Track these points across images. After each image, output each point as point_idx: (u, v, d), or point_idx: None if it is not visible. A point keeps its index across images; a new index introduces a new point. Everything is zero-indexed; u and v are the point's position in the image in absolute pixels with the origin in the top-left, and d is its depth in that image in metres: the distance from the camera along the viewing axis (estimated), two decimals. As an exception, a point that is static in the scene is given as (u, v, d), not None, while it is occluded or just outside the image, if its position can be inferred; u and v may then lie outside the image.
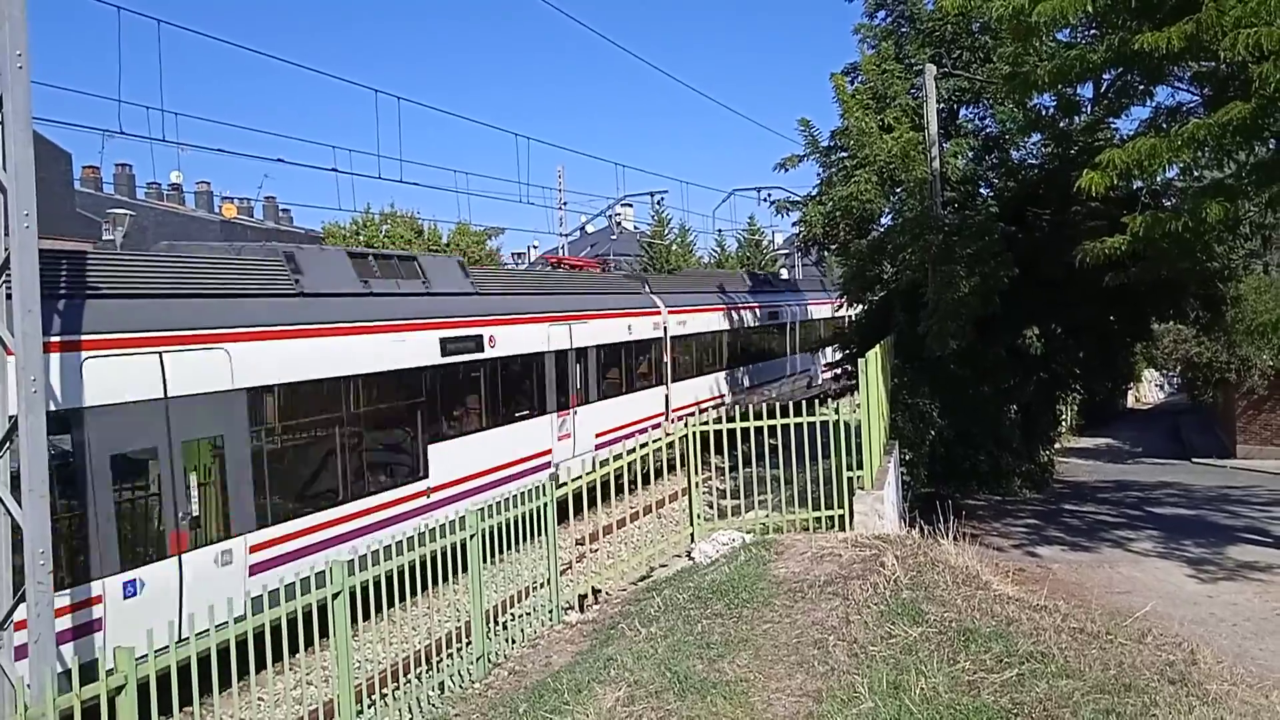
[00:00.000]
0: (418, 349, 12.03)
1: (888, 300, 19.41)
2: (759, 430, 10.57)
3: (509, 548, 8.44)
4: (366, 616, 10.71)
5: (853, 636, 6.56)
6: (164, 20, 25.25)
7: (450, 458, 12.36)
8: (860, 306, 21.20)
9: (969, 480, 18.20)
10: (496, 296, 14.38)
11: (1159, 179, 13.68)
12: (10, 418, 5.94)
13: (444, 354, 12.51)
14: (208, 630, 5.74)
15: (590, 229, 75.64)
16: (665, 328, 19.58)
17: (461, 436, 12.78)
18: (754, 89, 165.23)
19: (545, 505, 8.91)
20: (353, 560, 7.08)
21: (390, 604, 7.37)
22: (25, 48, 5.97)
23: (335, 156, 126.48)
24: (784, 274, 68.23)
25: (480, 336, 13.43)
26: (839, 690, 5.88)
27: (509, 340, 14.00)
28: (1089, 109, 15.50)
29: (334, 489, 10.49)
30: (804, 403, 10.42)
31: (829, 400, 16.95)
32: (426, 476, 11.92)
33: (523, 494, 8.78)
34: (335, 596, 6.50)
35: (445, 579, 7.71)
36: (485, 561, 8.05)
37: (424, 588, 7.62)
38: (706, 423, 10.64)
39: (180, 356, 8.72)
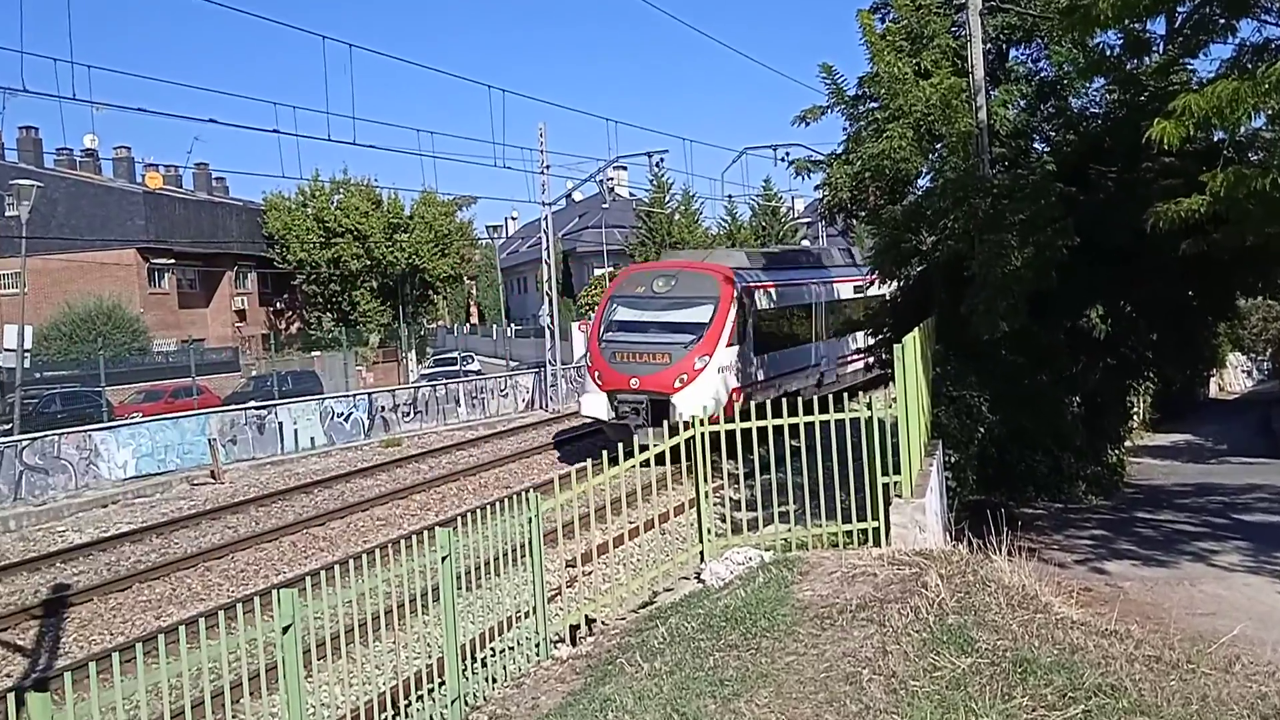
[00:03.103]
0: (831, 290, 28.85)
1: (926, 276, 19.39)
2: (778, 430, 10.57)
3: (488, 571, 8.45)
4: (322, 654, 10.72)
5: (891, 670, 6.57)
6: (73, -43, 25.08)
7: (831, 349, 28.19)
8: (894, 283, 21.19)
9: (1025, 485, 18.21)
10: (835, 266, 30.36)
11: (1244, 129, 13.64)
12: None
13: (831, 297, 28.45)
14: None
15: (578, 196, 75.52)
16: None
17: (832, 338, 28.19)
18: (768, 30, 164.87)
19: (530, 520, 8.92)
20: (312, 580, 7.09)
21: (350, 639, 7.37)
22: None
23: (277, 115, 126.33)
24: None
25: (836, 287, 28.40)
26: (875, 732, 5.88)
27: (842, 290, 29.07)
28: (1161, 47, 15.48)
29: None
30: (830, 398, 10.41)
31: (859, 393, 16.97)
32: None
33: (504, 500, 8.79)
34: (285, 630, 6.51)
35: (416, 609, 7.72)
36: (460, 587, 8.06)
37: (388, 622, 7.63)
38: (716, 422, 10.64)
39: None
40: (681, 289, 22.94)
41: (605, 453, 12.06)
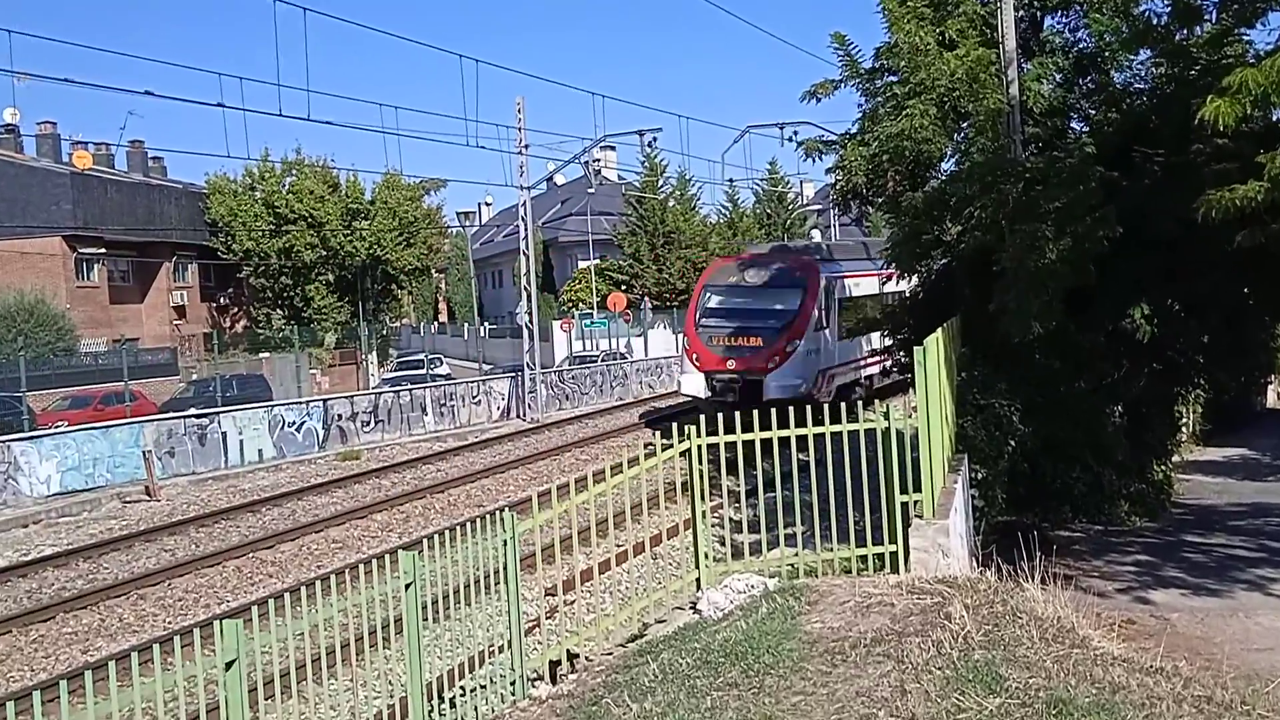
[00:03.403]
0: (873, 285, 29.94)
1: (950, 270, 19.43)
2: (784, 442, 10.57)
3: (458, 600, 8.44)
4: (271, 693, 10.69)
5: (910, 711, 6.58)
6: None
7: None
8: (914, 279, 21.24)
9: (1060, 505, 18.25)
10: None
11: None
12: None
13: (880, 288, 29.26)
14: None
15: (560, 180, 75.58)
16: None
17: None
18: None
19: (506, 543, 8.91)
20: (268, 606, 7.07)
21: (302, 676, 7.36)
22: None
23: (222, 88, 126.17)
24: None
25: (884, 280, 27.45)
26: (892, 782, 5.89)
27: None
28: (1213, 15, 15.53)
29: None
30: (843, 407, 10.45)
31: (875, 401, 16.96)
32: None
33: (476, 521, 8.78)
34: (229, 666, 6.49)
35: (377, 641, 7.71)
36: (426, 618, 8.04)
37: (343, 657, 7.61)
38: (715, 433, 10.65)
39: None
40: (771, 278, 28.09)
41: (590, 472, 12.07)
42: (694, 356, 27.74)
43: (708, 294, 28.88)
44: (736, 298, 28.25)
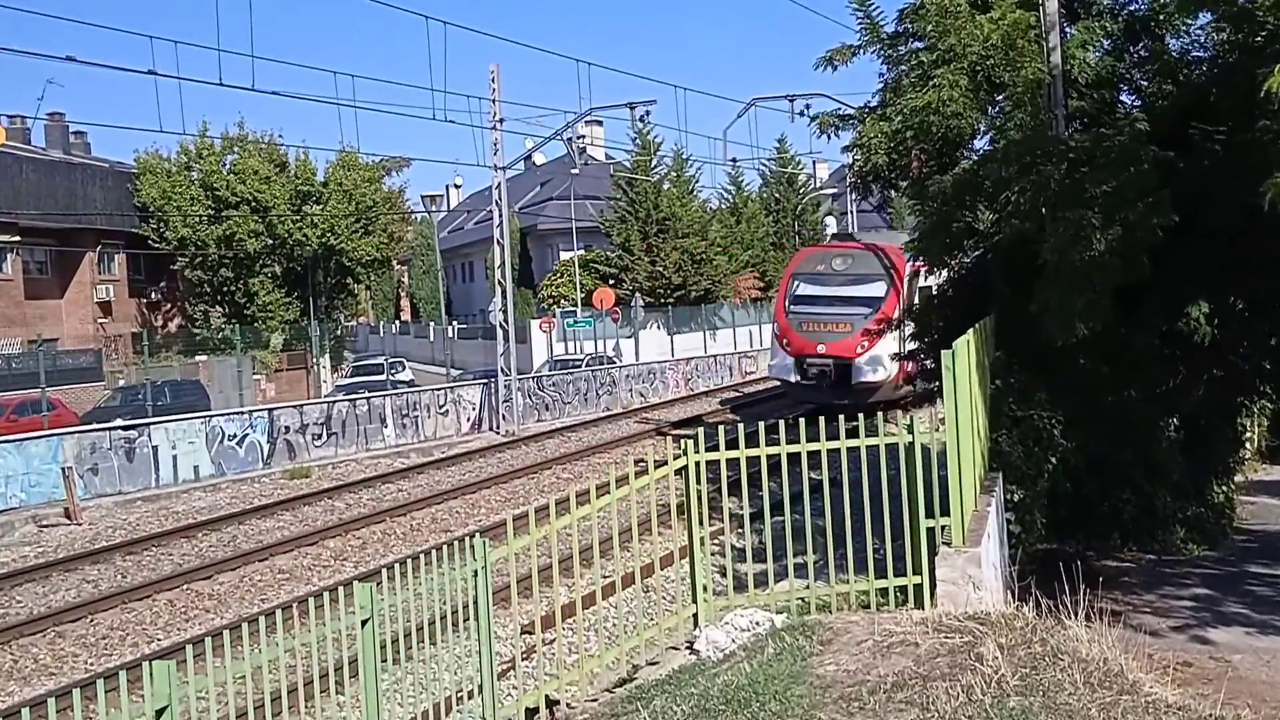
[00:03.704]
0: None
1: (984, 263, 19.44)
2: (794, 459, 10.58)
3: (422, 638, 8.42)
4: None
5: (936, 766, 6.58)
6: None
7: None
8: (943, 273, 21.26)
9: (1108, 530, 18.27)
10: None
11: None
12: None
13: None
14: None
15: (540, 159, 75.64)
16: None
17: None
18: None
19: (477, 573, 8.91)
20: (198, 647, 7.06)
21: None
22: None
23: (154, 53, 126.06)
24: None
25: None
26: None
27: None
28: (1282, -25, 15.55)
29: None
30: (861, 418, 10.46)
31: (900, 412, 17.05)
32: None
33: (443, 548, 8.77)
34: (159, 715, 6.47)
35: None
36: (386, 659, 8.03)
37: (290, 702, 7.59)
38: (715, 447, 10.66)
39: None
40: (858, 267, 32.65)
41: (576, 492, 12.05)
42: (784, 341, 33.16)
43: (796, 282, 34.21)
44: (825, 285, 33.10)
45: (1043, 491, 15.54)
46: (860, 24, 19.07)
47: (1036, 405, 15.80)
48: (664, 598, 15.74)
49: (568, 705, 9.46)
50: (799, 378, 32.48)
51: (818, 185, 73.21)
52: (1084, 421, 16.55)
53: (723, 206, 66.70)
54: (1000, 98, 17.65)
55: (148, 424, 28.90)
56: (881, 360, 29.73)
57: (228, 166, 50.31)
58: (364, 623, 7.92)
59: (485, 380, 39.32)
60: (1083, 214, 15.41)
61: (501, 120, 36.02)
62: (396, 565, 8.70)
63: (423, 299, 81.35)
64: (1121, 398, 17.98)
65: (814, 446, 10.42)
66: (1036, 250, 16.12)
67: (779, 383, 34.97)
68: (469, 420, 37.86)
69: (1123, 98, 18.84)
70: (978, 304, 18.38)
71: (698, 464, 10.46)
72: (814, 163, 71.91)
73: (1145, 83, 18.75)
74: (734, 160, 58.02)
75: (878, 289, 31.98)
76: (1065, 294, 15.38)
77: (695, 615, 10.50)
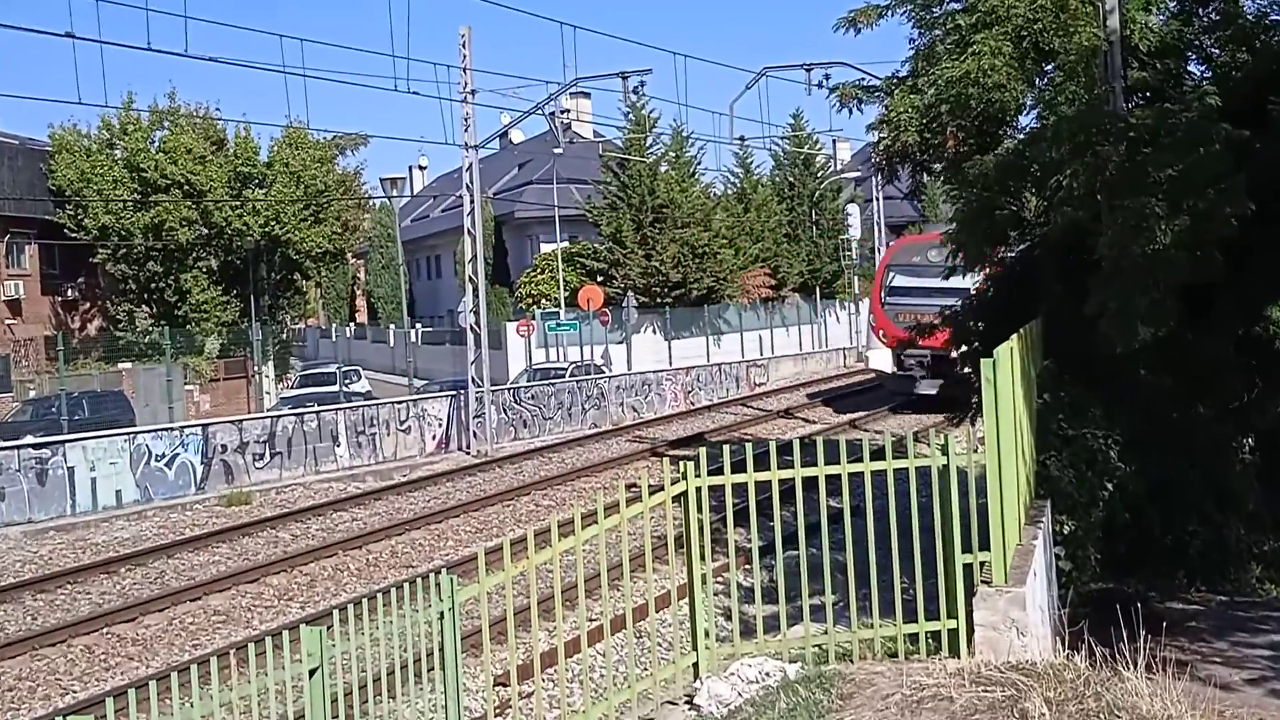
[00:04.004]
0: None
1: (1031, 258, 19.48)
2: (810, 484, 10.54)
3: (379, 690, 8.38)
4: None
5: (975, 840, 6.55)
6: None
7: None
8: (982, 269, 21.28)
9: (1172, 568, 18.25)
10: None
11: None
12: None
13: None
14: None
15: (518, 136, 75.76)
16: None
17: None
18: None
19: (443, 615, 8.87)
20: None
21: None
22: None
23: (72, 12, 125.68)
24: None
25: None
26: None
27: None
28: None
29: None
30: (887, 438, 10.46)
31: (932, 430, 17.00)
32: None
33: (405, 586, 8.74)
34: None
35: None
36: (338, 713, 7.99)
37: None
38: (719, 470, 10.63)
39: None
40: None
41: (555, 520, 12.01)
42: (880, 333, 38.69)
43: (891, 273, 39.03)
44: (920, 276, 36.14)
45: (1097, 522, 15.53)
46: (889, -18, 19.15)
47: (1090, 423, 15.79)
48: (660, 644, 15.71)
49: (548, 769, 9.44)
50: (895, 369, 38.37)
51: (838, 168, 73.42)
52: (1145, 442, 16.55)
53: (729, 192, 66.80)
54: (1049, 67, 17.69)
55: (63, 441, 28.81)
56: None
57: (156, 144, 50.15)
58: (312, 672, 7.88)
59: (453, 392, 39.28)
60: (1145, 201, 15.42)
61: (474, 92, 36.05)
62: (350, 606, 8.67)
63: (382, 298, 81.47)
64: (1189, 414, 17.98)
65: (834, 470, 10.41)
66: (1092, 243, 16.14)
67: (874, 374, 41.33)
68: (434, 438, 37.81)
69: (1191, 68, 18.89)
70: (1022, 305, 18.39)
71: (699, 489, 10.44)
72: (834, 142, 72.17)
73: (1216, 50, 18.77)
74: (742, 139, 57.87)
75: (974, 279, 33.86)
76: (1125, 294, 15.38)
77: (695, 665, 10.47)
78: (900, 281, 39.10)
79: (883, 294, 40.10)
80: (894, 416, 40.08)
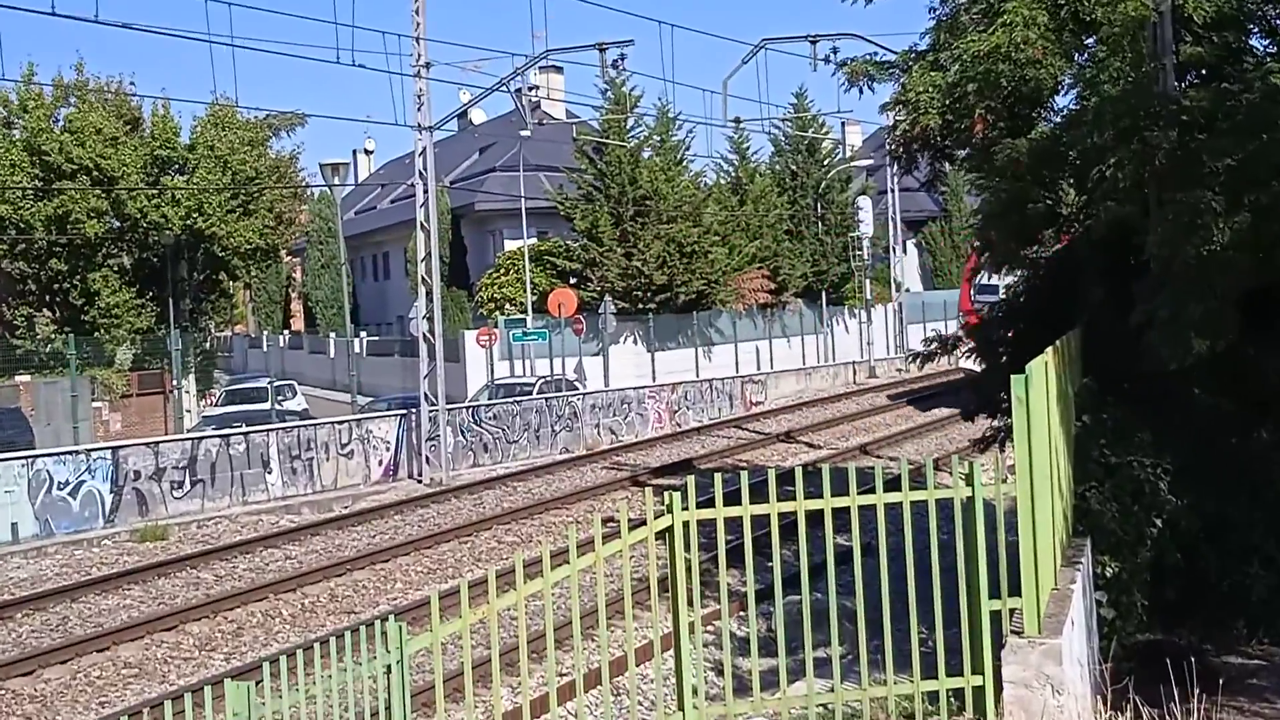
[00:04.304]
0: None
1: (1070, 258, 19.53)
2: (814, 518, 10.56)
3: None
4: None
5: None
6: None
7: None
8: (1013, 271, 21.34)
9: (1230, 616, 18.29)
10: None
11: None
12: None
13: None
14: None
15: (480, 116, 75.71)
16: None
17: None
18: None
19: (390, 669, 8.87)
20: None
21: None
22: None
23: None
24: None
25: None
26: None
27: None
28: None
29: None
30: (904, 464, 10.48)
31: (954, 459, 16.98)
32: None
33: (346, 635, 8.73)
34: None
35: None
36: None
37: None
38: (710, 502, 10.64)
39: None
40: None
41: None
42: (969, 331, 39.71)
43: (984, 271, 39.88)
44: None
45: (1144, 564, 15.57)
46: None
47: (1137, 450, 15.83)
48: (641, 703, 15.68)
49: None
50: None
51: (848, 154, 73.55)
52: (1200, 472, 16.60)
53: (721, 182, 66.79)
54: (1091, 41, 17.77)
55: (-50, 466, 28.73)
56: None
57: (61, 123, 50.08)
58: (238, 736, 7.88)
59: (403, 411, 39.23)
60: (1200, 195, 15.47)
61: (428, 65, 36.04)
62: (283, 658, 8.66)
63: (321, 302, 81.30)
64: (1249, 441, 18.03)
65: (842, 502, 10.43)
66: (1139, 243, 16.20)
67: (964, 373, 40.71)
68: (381, 464, 37.75)
69: (1253, 42, 18.97)
70: (1059, 313, 18.44)
71: (686, 524, 10.45)
72: (843, 125, 72.47)
73: (1280, 22, 18.89)
74: (737, 120, 57.82)
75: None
76: (1176, 301, 15.42)
77: (681, 728, 10.48)
78: (991, 279, 40.96)
79: (972, 292, 42.04)
80: (910, 441, 40.25)
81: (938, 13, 19.24)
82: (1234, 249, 15.29)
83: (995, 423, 21.81)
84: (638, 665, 16.71)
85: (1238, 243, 15.29)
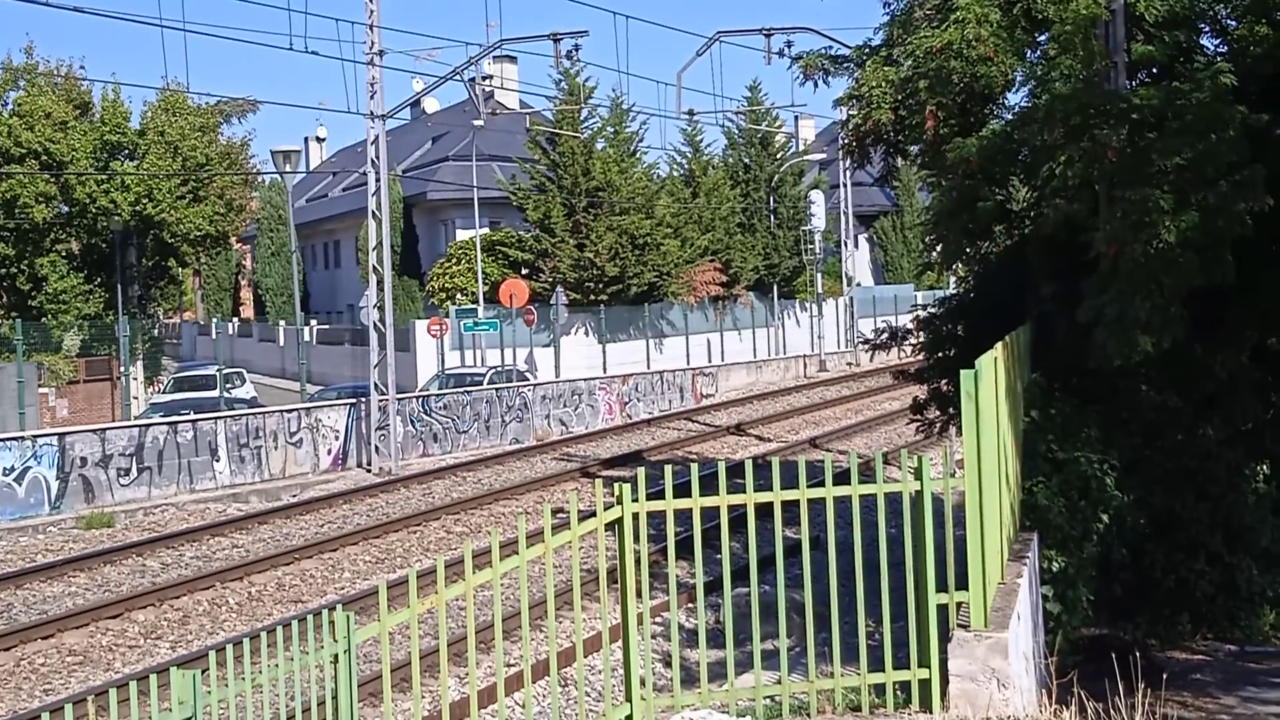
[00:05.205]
0: None
1: (1018, 255, 19.60)
2: (764, 511, 10.56)
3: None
4: None
5: None
6: None
7: None
8: (963, 267, 21.39)
9: (1175, 612, 18.42)
10: None
11: None
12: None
13: None
14: None
15: (432, 105, 75.48)
16: None
17: None
18: None
19: (338, 659, 8.83)
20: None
21: None
22: None
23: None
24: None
25: None
26: None
27: None
28: None
29: None
30: (854, 457, 10.51)
31: (905, 452, 17.08)
32: None
33: (292, 624, 8.69)
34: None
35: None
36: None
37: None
38: (660, 494, 10.64)
39: None
40: None
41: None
42: None
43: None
44: None
45: (1091, 559, 15.65)
46: (860, -62, 19.29)
47: (1084, 446, 15.90)
48: (589, 694, 15.67)
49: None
50: None
51: (801, 148, 73.65)
52: (1146, 468, 16.69)
53: (675, 174, 66.77)
54: (1043, 38, 17.83)
55: (-107, 452, 28.49)
56: None
57: (9, 107, 49.70)
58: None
59: (353, 400, 39.11)
60: (1149, 194, 15.54)
61: (381, 53, 35.90)
62: (229, 647, 8.62)
63: (270, 290, 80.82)
64: (1196, 437, 18.12)
65: (791, 495, 10.44)
66: (1087, 240, 16.26)
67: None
68: (330, 453, 37.63)
69: (1204, 42, 19.05)
70: (1008, 310, 18.52)
71: (636, 516, 10.44)
72: (796, 119, 72.70)
73: (1233, 23, 18.94)
74: (690, 113, 57.77)
75: None
76: (1124, 299, 15.50)
77: (629, 718, 10.47)
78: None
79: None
80: (861, 435, 40.32)
81: (892, 8, 19.31)
82: (1182, 248, 15.38)
83: (943, 416, 21.88)
84: (586, 656, 16.72)
85: (1185, 241, 15.37)
